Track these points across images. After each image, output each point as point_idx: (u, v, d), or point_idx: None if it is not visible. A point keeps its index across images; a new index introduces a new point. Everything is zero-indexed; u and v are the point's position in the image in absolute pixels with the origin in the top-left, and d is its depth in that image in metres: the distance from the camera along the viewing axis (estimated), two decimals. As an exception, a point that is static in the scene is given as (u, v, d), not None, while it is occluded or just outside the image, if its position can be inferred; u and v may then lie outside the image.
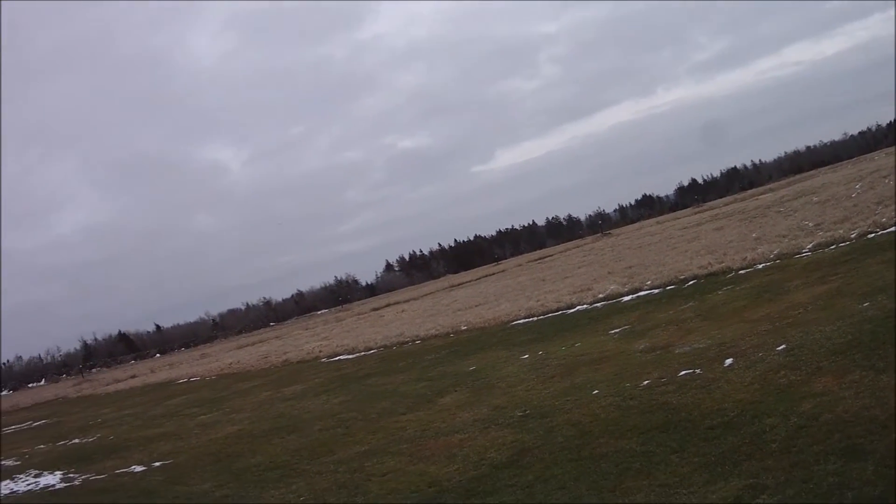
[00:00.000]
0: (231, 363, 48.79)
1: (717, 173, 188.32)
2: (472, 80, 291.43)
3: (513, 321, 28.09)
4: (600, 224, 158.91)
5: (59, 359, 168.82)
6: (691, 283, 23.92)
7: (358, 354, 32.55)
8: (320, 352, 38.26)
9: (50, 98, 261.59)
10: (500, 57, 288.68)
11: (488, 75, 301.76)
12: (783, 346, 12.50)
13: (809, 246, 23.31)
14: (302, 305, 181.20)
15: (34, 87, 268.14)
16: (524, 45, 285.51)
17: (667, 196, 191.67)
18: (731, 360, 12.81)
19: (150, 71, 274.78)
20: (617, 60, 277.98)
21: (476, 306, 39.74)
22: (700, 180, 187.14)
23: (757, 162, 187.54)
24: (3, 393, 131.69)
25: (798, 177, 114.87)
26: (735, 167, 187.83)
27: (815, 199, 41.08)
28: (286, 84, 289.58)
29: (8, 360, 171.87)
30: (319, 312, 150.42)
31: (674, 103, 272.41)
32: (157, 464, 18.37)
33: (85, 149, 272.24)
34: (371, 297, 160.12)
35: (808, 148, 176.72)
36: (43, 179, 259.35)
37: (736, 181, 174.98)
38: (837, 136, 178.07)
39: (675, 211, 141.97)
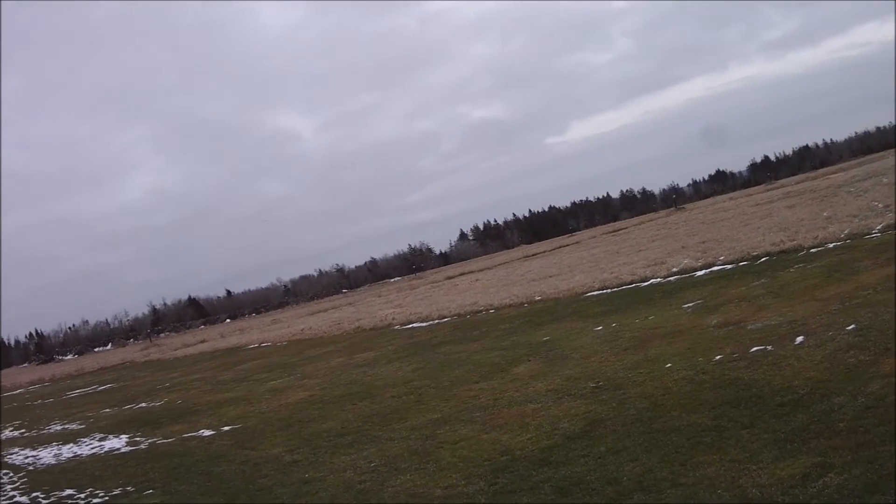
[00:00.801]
0: (303, 329, 49.24)
1: (788, 151, 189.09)
2: (543, 51, 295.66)
3: (587, 293, 28.24)
4: (674, 198, 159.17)
5: (127, 323, 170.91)
6: (763, 259, 23.91)
7: (431, 322, 32.86)
8: (393, 319, 38.53)
9: (118, 64, 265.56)
10: (571, 29, 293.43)
11: (560, 47, 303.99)
12: (853, 326, 12.60)
13: (879, 227, 23.12)
14: (375, 273, 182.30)
15: (101, 54, 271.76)
16: (596, 19, 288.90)
17: (739, 172, 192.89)
18: (801, 337, 12.94)
19: (217, 39, 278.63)
20: (688, 36, 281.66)
21: (550, 277, 39.88)
22: (772, 157, 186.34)
23: (828, 141, 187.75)
24: (68, 357, 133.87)
25: (867, 157, 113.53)
26: (807, 145, 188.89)
27: (884, 180, 40.47)
28: (355, 54, 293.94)
29: (73, 324, 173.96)
30: (392, 280, 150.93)
31: (746, 81, 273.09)
32: (227, 428, 18.75)
33: (154, 115, 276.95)
34: (444, 265, 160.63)
35: (878, 129, 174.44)
36: (111, 145, 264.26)
37: (807, 160, 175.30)
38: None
39: (747, 187, 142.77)
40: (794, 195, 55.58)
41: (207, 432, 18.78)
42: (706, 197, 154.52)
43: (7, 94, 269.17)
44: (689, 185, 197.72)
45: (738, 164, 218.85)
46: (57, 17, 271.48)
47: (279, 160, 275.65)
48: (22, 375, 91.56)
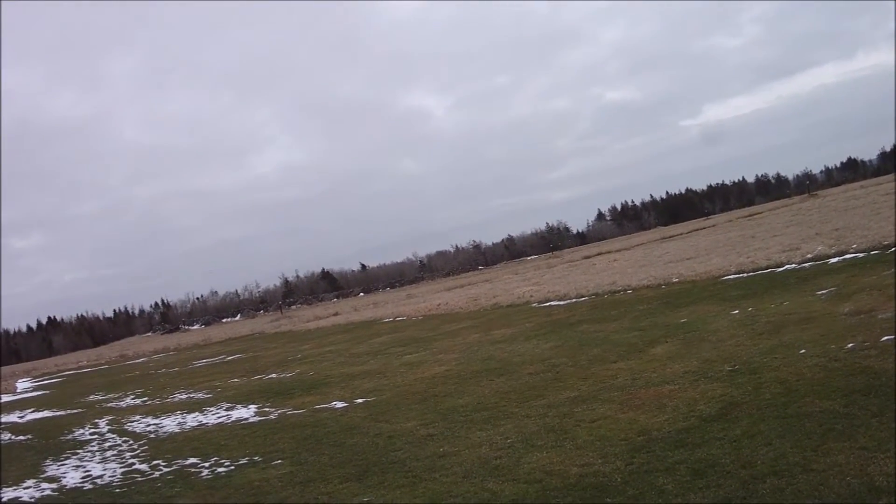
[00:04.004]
0: (438, 304, 50.15)
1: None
2: (674, 35, 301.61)
3: (723, 276, 28.58)
4: (807, 184, 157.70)
5: (258, 295, 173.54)
6: (893, 249, 23.60)
7: (569, 301, 33.30)
8: (531, 297, 39.06)
9: (249, 43, 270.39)
10: (701, 14, 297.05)
11: (690, 32, 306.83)
12: None
13: None
14: (512, 250, 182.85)
15: (231, 32, 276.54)
16: (725, 3, 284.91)
17: (870, 160, 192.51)
18: (931, 328, 12.98)
19: (347, 18, 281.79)
20: (818, 22, 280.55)
21: (687, 259, 40.24)
22: None
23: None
24: (195, 327, 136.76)
25: None
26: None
27: None
28: (486, 34, 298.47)
29: (202, 295, 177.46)
30: (529, 258, 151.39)
31: (875, 68, 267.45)
32: (360, 401, 19.33)
33: (286, 93, 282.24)
34: (581, 244, 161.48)
35: None
36: (244, 122, 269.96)
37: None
38: None
39: (878, 175, 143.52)
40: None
41: (340, 404, 19.37)
42: (838, 184, 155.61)
43: (126, 72, 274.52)
44: (821, 172, 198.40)
45: (869, 152, 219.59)
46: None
47: (412, 138, 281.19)
48: (145, 344, 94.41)
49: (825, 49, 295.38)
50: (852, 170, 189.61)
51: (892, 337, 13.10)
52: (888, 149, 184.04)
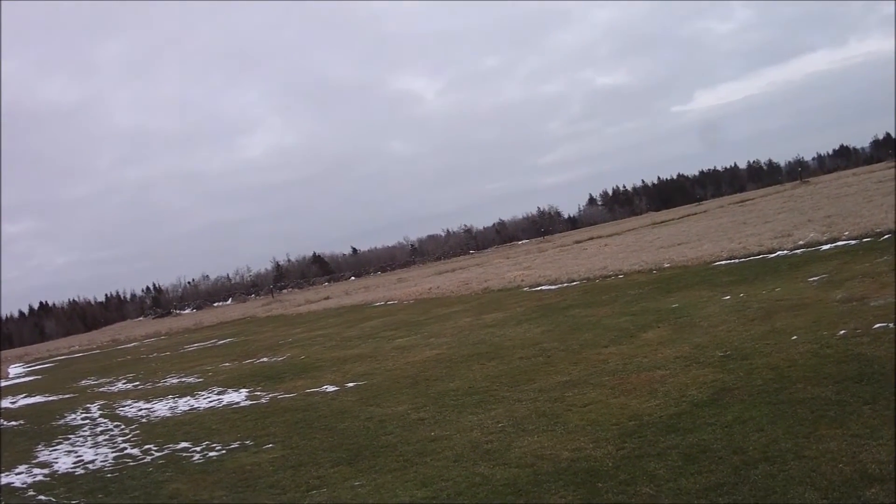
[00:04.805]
0: (430, 288, 50.22)
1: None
2: (665, 17, 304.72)
3: (715, 262, 28.71)
4: (799, 171, 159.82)
5: (249, 279, 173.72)
6: (886, 236, 23.86)
7: (560, 285, 33.38)
8: (522, 281, 39.20)
9: (237, 25, 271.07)
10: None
11: (681, 14, 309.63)
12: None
13: None
14: (503, 234, 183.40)
15: (218, 14, 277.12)
16: None
17: (862, 148, 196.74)
18: (924, 316, 13.02)
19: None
20: (809, 6, 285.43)
21: (678, 245, 40.44)
22: (894, 135, 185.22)
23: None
24: (186, 311, 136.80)
25: None
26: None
27: None
28: (476, 17, 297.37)
29: (193, 279, 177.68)
30: (520, 242, 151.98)
31: (867, 56, 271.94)
32: (351, 384, 19.38)
33: (274, 74, 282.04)
34: (573, 229, 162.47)
35: None
36: (233, 104, 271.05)
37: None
38: None
39: (870, 163, 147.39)
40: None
41: (331, 388, 19.43)
42: (830, 171, 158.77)
43: (115, 56, 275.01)
44: (813, 159, 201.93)
45: (861, 140, 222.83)
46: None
47: (402, 121, 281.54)
48: (137, 329, 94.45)
49: (817, 35, 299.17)
50: (845, 157, 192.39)
51: (885, 324, 13.10)
52: (881, 137, 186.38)
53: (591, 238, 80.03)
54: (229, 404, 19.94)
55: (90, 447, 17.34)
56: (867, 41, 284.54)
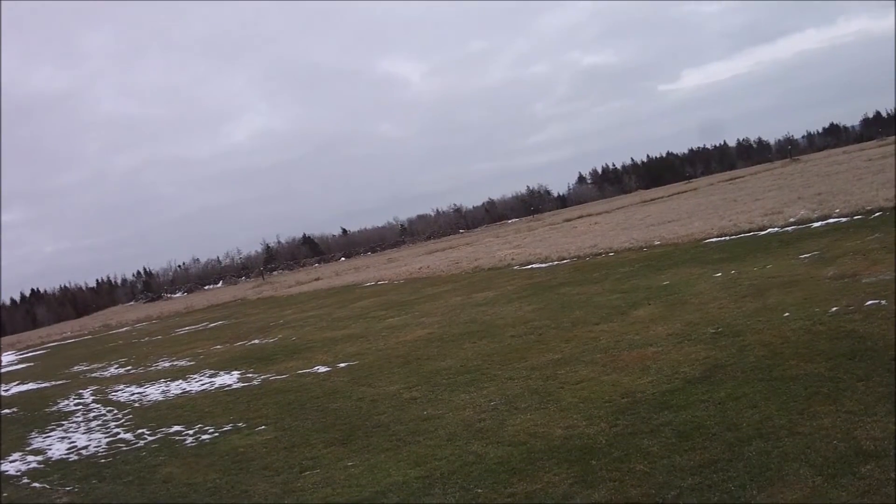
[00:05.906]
0: (420, 268, 50.34)
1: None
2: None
3: (705, 239, 28.82)
4: (789, 149, 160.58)
5: (239, 261, 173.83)
6: (877, 214, 24.00)
7: (550, 264, 33.42)
8: (512, 259, 39.25)
9: (221, 10, 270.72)
10: None
11: None
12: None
13: None
14: (492, 213, 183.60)
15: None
16: None
17: (852, 126, 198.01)
18: (915, 293, 13.04)
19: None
20: None
21: (669, 222, 40.60)
22: (884, 114, 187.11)
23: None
24: (177, 295, 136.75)
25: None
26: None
27: None
28: (462, 1, 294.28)
29: (183, 263, 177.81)
30: (510, 221, 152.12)
31: (856, 35, 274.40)
32: (343, 365, 19.34)
33: (260, 60, 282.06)
34: (562, 208, 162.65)
35: None
36: (219, 89, 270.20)
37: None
38: None
39: (860, 142, 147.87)
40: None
41: (323, 369, 19.38)
42: (820, 150, 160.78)
43: (101, 45, 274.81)
44: (803, 137, 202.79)
45: (851, 118, 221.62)
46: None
47: (390, 103, 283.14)
48: (128, 313, 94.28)
49: (804, 13, 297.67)
50: (834, 135, 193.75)
51: (877, 301, 13.08)
52: (871, 115, 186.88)
53: (581, 216, 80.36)
54: (221, 387, 19.88)
55: (83, 433, 17.31)
56: (855, 20, 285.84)
